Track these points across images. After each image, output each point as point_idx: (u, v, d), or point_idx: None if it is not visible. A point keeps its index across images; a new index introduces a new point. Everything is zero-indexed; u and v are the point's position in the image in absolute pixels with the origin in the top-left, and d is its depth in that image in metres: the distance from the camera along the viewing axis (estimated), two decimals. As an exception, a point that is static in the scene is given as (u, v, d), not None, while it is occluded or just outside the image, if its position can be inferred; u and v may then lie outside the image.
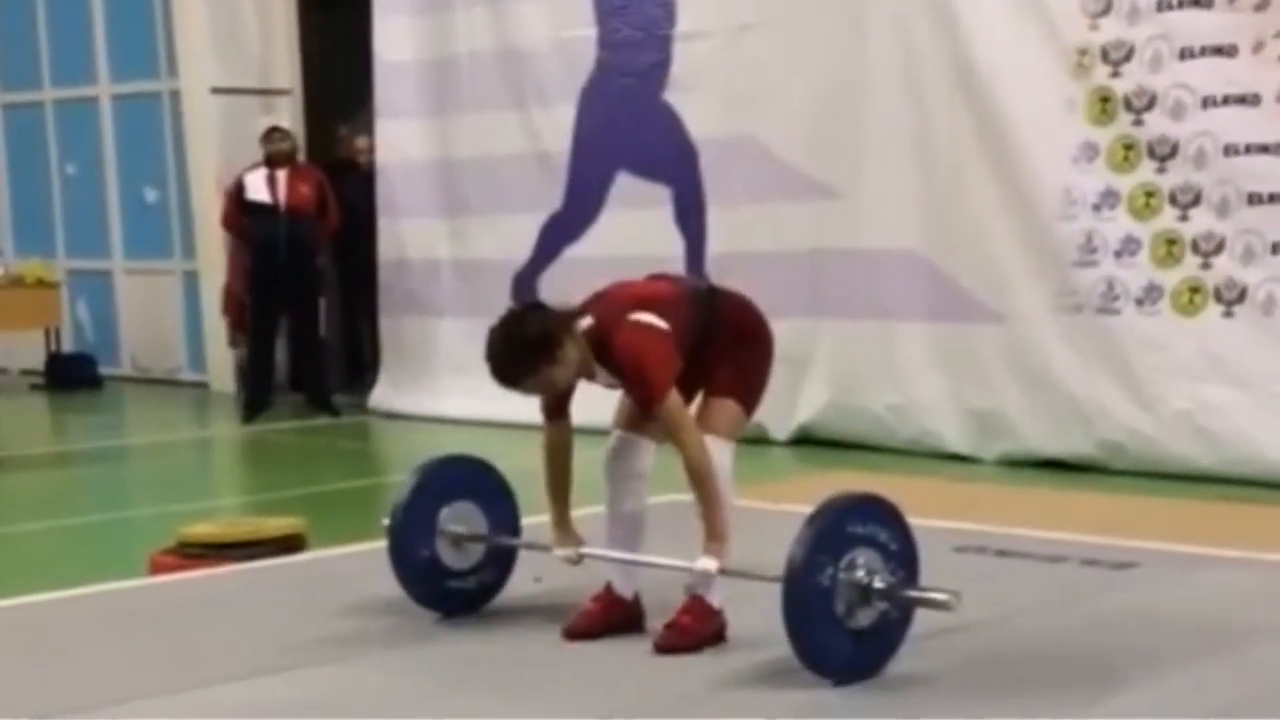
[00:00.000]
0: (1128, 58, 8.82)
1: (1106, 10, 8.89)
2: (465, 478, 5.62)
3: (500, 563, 5.62)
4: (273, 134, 12.21)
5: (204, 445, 12.08)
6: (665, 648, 4.95)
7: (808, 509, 7.26)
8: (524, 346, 4.92)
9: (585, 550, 5.27)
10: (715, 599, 5.05)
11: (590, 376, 5.04)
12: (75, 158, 15.82)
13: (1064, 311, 9.03)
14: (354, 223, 12.37)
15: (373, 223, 12.44)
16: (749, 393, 5.19)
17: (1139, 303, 8.77)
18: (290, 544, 6.72)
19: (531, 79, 11.51)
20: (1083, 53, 8.94)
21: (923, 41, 9.49)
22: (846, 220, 9.78)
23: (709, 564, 4.90)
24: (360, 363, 13.80)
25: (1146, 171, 8.77)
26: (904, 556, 4.82)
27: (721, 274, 10.47)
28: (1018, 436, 9.24)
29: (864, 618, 4.69)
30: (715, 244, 10.56)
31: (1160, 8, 8.74)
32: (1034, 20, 9.09)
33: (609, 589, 5.21)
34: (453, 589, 5.53)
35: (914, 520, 6.94)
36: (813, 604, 4.60)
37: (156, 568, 6.51)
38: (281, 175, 12.03)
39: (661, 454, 5.18)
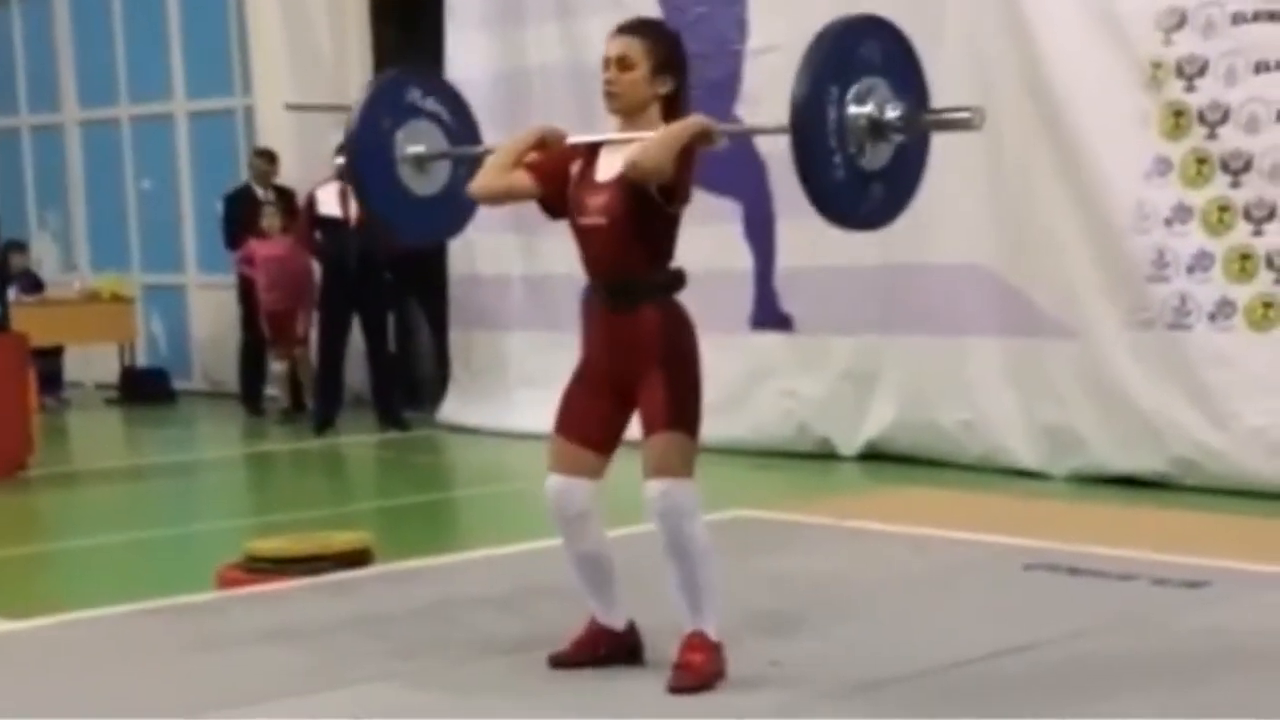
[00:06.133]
0: (1202, 72, 8.74)
1: (1181, 24, 8.81)
2: (411, 94, 5.47)
3: (467, 178, 5.43)
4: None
5: (274, 459, 12.15)
6: (679, 688, 4.79)
7: (875, 525, 7.32)
8: (659, 28, 5.05)
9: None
10: (714, 632, 4.85)
11: (634, 115, 4.87)
12: (151, 173, 15.96)
13: (1136, 327, 8.95)
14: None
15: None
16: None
17: (1212, 318, 8.68)
18: (357, 559, 6.72)
19: (601, 94, 11.50)
20: (1157, 66, 8.86)
21: (995, 55, 9.44)
22: (916, 235, 9.68)
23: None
24: (414, 376, 13.89)
25: (1220, 186, 8.69)
26: (911, 81, 4.58)
27: (790, 289, 10.56)
28: (1089, 453, 9.17)
29: (880, 155, 4.51)
30: (784, 259, 10.54)
31: (1235, 21, 8.65)
32: (1107, 34, 9.02)
33: (593, 620, 5.10)
34: (430, 214, 5.48)
35: (983, 537, 6.98)
36: (825, 147, 4.37)
37: (223, 582, 6.54)
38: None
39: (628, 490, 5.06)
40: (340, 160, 12.00)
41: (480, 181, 5.13)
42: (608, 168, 4.91)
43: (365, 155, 5.35)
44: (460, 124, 5.54)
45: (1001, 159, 9.44)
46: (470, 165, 5.47)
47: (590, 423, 4.96)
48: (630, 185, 4.81)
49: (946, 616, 5.71)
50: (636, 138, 4.85)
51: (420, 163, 5.39)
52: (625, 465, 4.96)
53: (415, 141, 5.40)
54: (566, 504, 4.98)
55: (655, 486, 4.79)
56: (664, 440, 4.80)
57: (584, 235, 4.95)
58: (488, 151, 5.51)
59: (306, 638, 5.61)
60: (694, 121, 4.74)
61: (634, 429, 4.95)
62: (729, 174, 10.68)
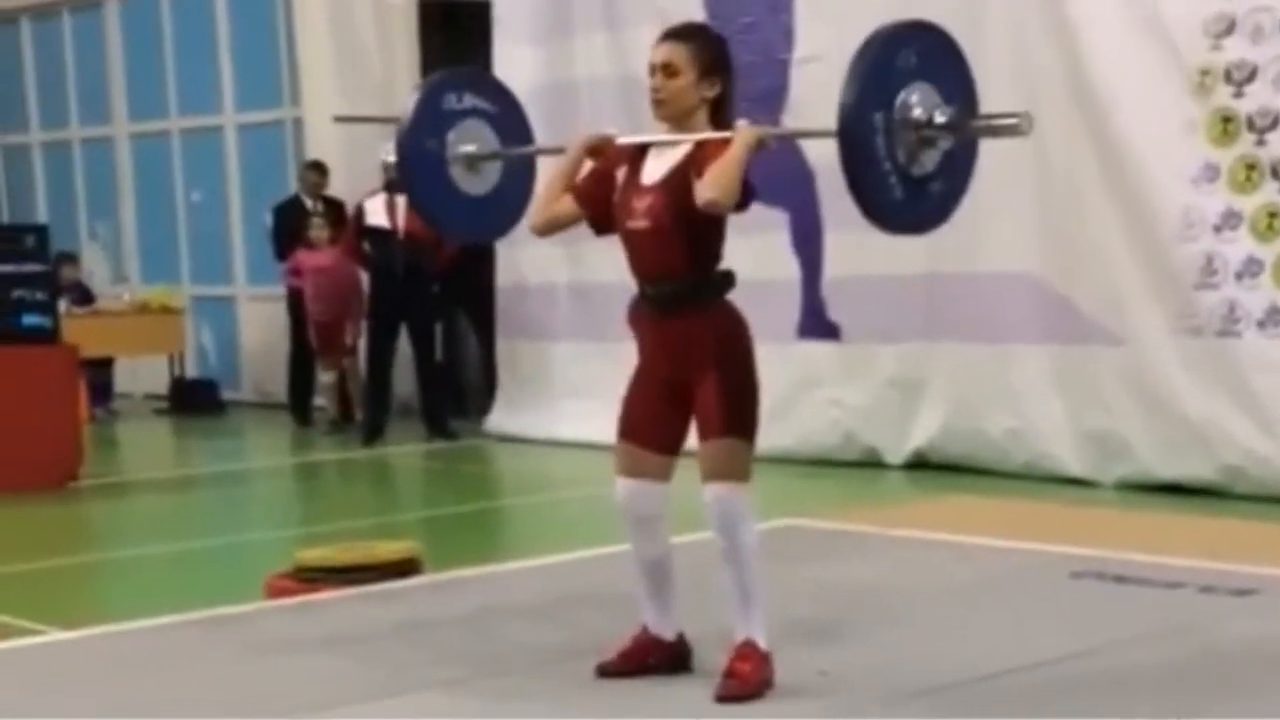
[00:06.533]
0: (1251, 78, 8.71)
1: (1229, 30, 8.77)
2: (463, 95, 5.47)
3: (519, 178, 5.50)
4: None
5: (322, 469, 12.20)
6: (726, 697, 4.78)
7: (922, 533, 7.31)
8: (703, 32, 5.05)
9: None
10: (764, 641, 4.86)
11: (681, 120, 4.89)
12: (200, 185, 16.06)
13: (1184, 334, 8.92)
14: (466, 250, 12.46)
15: (485, 250, 12.51)
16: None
17: (1261, 325, 8.64)
18: (405, 568, 6.74)
19: (650, 106, 11.49)
20: (1204, 73, 8.83)
21: (1040, 62, 9.41)
22: (963, 243, 9.66)
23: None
24: (462, 386, 13.95)
25: (1270, 192, 8.65)
26: (960, 84, 4.59)
27: (837, 298, 10.56)
28: (1136, 460, 9.13)
29: (928, 160, 4.52)
30: (831, 268, 10.54)
31: (1285, 27, 8.64)
32: (1154, 41, 8.99)
33: (644, 629, 5.09)
34: (478, 212, 5.46)
35: (1030, 545, 6.96)
36: (873, 152, 4.39)
37: (272, 592, 6.57)
38: (401, 201, 12.09)
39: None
40: (388, 173, 12.13)
41: (533, 219, 5.23)
42: (654, 170, 4.92)
43: (417, 155, 5.37)
44: (512, 123, 5.55)
45: (1048, 167, 9.41)
46: (521, 165, 5.51)
47: (651, 426, 4.97)
48: (676, 188, 4.82)
49: (993, 625, 5.70)
50: (684, 139, 4.87)
51: (471, 162, 5.40)
52: (687, 473, 4.95)
53: (467, 141, 5.40)
54: (636, 507, 4.99)
55: (710, 491, 4.82)
56: (718, 446, 4.82)
57: (630, 238, 4.95)
58: (540, 151, 5.55)
59: (354, 647, 5.62)
60: (749, 138, 4.71)
61: (694, 434, 4.97)
62: (777, 184, 10.66)
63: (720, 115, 4.90)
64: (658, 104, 4.92)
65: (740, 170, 4.66)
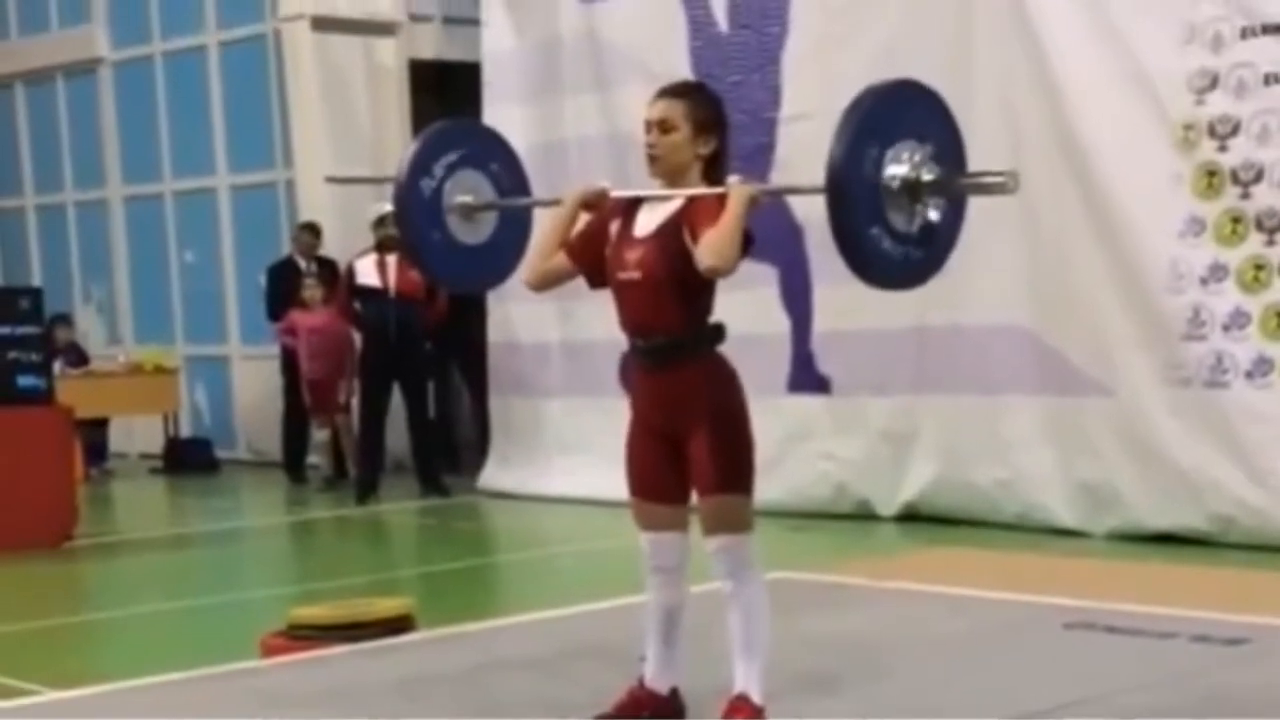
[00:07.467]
0: (1234, 132, 8.78)
1: (1213, 85, 8.85)
2: (462, 148, 5.47)
3: (515, 228, 5.52)
4: (384, 220, 12.36)
5: (317, 526, 12.21)
6: None
7: (914, 585, 7.33)
8: (700, 90, 5.07)
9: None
10: (758, 695, 4.86)
11: (675, 177, 4.94)
12: (194, 247, 16.11)
13: (1173, 385, 8.97)
14: (458, 307, 12.52)
15: (477, 307, 12.58)
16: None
17: (1249, 375, 8.69)
18: (399, 625, 6.74)
19: (639, 164, 11.51)
20: (1189, 128, 8.90)
21: (1028, 118, 9.50)
22: (952, 295, 9.73)
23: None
24: (455, 442, 13.99)
25: (1255, 244, 8.72)
26: (947, 143, 4.64)
27: (827, 351, 10.61)
28: (1127, 511, 9.16)
29: (916, 217, 4.56)
30: (821, 322, 10.58)
31: (1267, 82, 8.70)
32: (1140, 96, 9.07)
33: (640, 682, 5.11)
34: (473, 262, 5.46)
35: (1022, 596, 6.98)
36: (861, 208, 4.44)
37: (267, 650, 6.57)
38: (391, 260, 12.18)
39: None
40: (378, 233, 12.20)
41: (526, 274, 5.27)
42: (647, 223, 4.95)
43: (414, 205, 5.39)
44: (508, 174, 5.57)
45: (1036, 220, 9.47)
46: (517, 215, 5.55)
47: (655, 479, 4.99)
48: (668, 241, 4.85)
49: (986, 677, 5.72)
50: (678, 194, 4.91)
51: (467, 212, 5.42)
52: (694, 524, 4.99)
53: (463, 191, 5.42)
54: (658, 558, 5.02)
55: (713, 543, 4.85)
56: (715, 503, 4.86)
57: (621, 290, 4.98)
58: (535, 203, 5.59)
59: (356, 702, 5.63)
60: (743, 198, 4.73)
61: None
62: (766, 239, 10.61)
63: (714, 172, 4.94)
64: (652, 160, 4.95)
65: (738, 232, 4.68)
